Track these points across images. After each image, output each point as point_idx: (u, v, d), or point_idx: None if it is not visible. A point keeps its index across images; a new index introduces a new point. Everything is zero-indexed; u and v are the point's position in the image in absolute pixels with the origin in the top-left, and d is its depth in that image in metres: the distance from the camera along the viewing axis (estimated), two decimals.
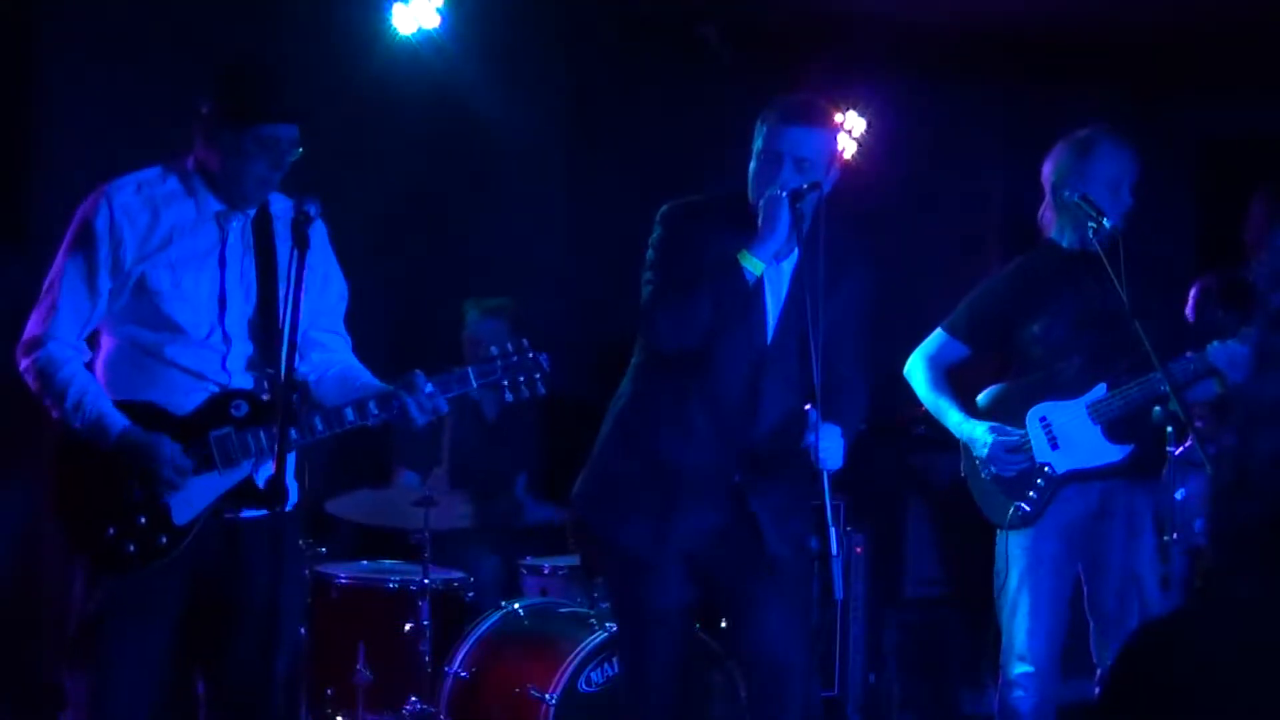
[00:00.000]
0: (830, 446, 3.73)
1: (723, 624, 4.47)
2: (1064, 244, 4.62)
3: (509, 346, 3.80)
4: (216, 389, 3.66)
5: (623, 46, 6.19)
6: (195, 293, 3.65)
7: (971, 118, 6.72)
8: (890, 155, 6.41)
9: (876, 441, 5.91)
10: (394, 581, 5.04)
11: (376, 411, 3.68)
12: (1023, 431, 4.58)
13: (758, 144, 3.87)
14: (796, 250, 3.85)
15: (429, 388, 3.68)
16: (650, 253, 3.95)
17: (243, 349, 3.69)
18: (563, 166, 6.39)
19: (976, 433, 4.62)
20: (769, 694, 3.97)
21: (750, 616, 4.00)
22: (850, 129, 6.40)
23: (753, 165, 3.88)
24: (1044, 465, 4.56)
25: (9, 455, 5.12)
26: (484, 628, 5.00)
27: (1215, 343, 4.35)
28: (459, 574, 5.20)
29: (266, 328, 3.67)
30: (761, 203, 3.80)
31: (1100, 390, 4.54)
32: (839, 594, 3.52)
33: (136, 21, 5.31)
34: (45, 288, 3.68)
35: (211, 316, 3.66)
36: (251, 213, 3.73)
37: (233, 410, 3.65)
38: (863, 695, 5.90)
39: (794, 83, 5.81)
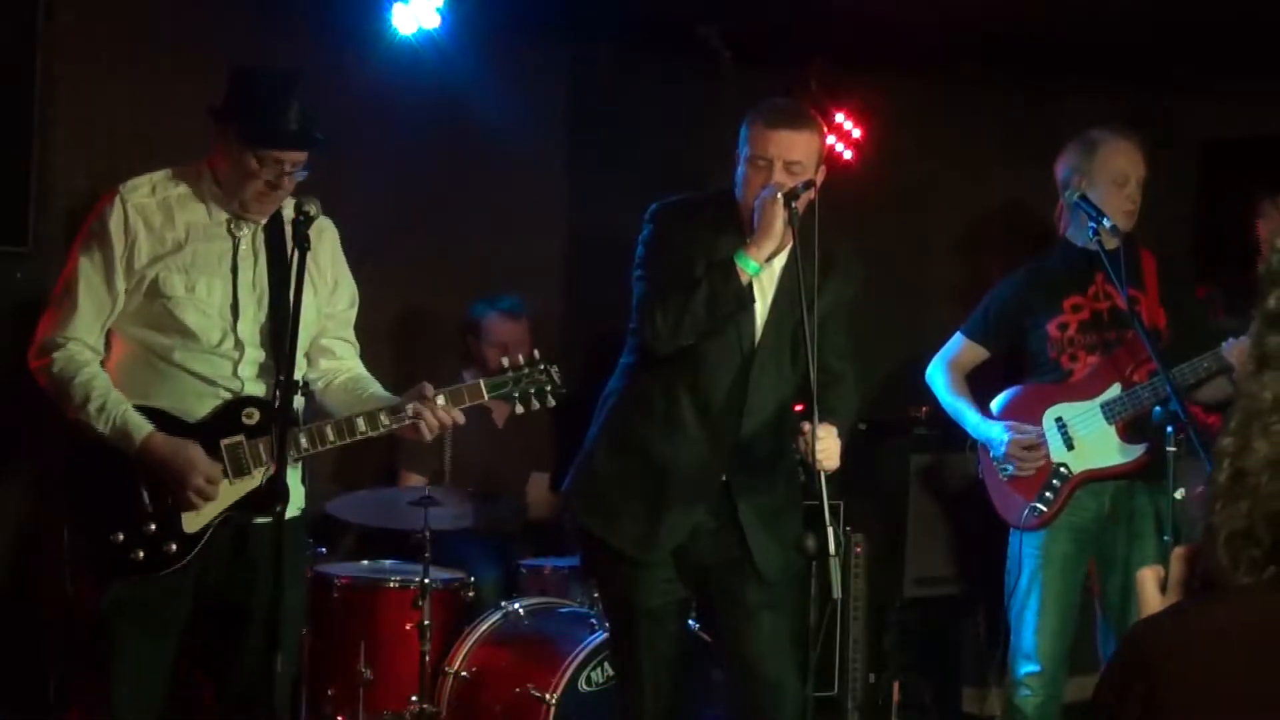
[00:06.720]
0: (827, 447, 3.74)
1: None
2: (1077, 243, 4.62)
3: (520, 358, 3.82)
4: (229, 396, 3.65)
5: (623, 46, 6.18)
6: (208, 299, 3.64)
7: (971, 118, 6.71)
8: (890, 155, 6.41)
9: (877, 441, 5.91)
10: (394, 581, 5.04)
11: (388, 423, 3.68)
12: (1039, 429, 4.58)
13: (744, 149, 3.88)
14: (786, 249, 3.86)
15: (438, 400, 3.68)
16: (641, 251, 3.96)
17: (255, 356, 3.68)
18: (563, 166, 6.38)
19: (993, 432, 4.62)
20: (759, 707, 3.96)
21: (738, 624, 4.01)
22: (849, 129, 6.41)
23: (741, 170, 3.89)
24: (1060, 465, 4.56)
25: (9, 455, 5.12)
26: (484, 628, 5.01)
27: (1231, 338, 4.34)
28: (459, 574, 5.20)
29: (279, 335, 3.65)
30: (756, 204, 3.81)
31: (1114, 390, 4.54)
32: (836, 594, 3.53)
33: (140, 22, 5.31)
34: (62, 289, 3.66)
35: (225, 323, 3.65)
36: (263, 220, 3.72)
37: (244, 418, 3.64)
38: (863, 695, 5.89)
39: (793, 83, 5.83)
